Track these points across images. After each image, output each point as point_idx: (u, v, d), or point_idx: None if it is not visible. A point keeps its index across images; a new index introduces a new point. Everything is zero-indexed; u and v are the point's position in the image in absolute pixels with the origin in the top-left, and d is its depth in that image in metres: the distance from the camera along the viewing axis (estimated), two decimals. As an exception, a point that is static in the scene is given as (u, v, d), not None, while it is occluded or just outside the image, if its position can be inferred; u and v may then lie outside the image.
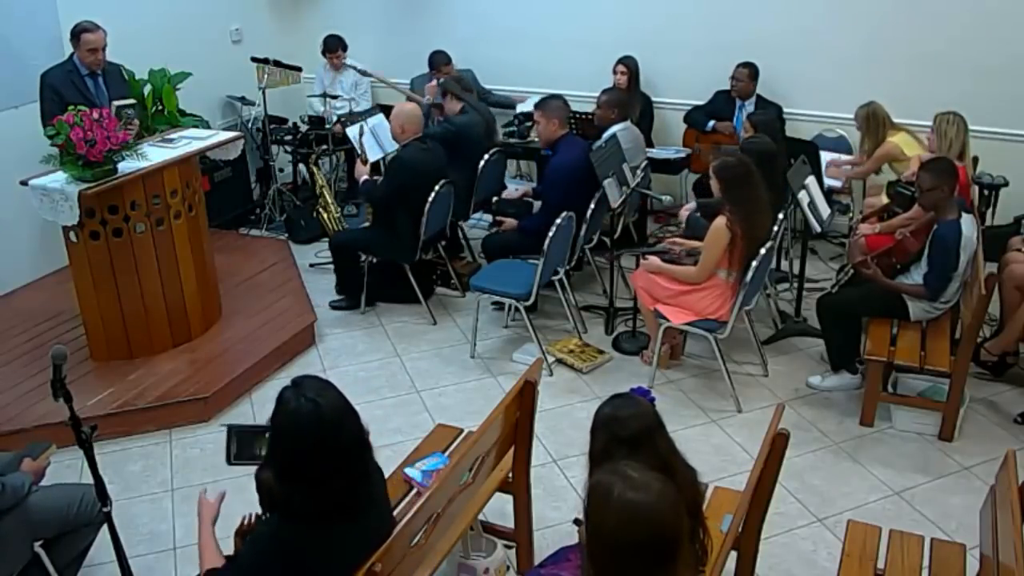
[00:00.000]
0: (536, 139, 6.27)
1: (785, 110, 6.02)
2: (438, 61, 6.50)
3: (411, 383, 4.72)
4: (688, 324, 4.41)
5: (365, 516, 2.20)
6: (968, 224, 4.10)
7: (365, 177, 5.32)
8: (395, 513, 2.87)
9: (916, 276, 4.29)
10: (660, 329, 4.48)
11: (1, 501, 2.79)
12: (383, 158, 5.69)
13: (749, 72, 5.95)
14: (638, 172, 5.16)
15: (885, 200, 5.10)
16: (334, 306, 5.52)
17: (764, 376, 4.69)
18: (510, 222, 5.38)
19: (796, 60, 5.93)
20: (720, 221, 4.22)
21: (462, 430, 3.47)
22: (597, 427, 2.27)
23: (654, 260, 4.56)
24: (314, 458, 2.04)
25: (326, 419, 2.04)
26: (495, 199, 5.75)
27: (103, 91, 5.10)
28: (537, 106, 5.27)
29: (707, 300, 4.35)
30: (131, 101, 5.17)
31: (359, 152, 5.54)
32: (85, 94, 4.98)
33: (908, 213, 4.70)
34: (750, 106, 6.01)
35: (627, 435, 2.19)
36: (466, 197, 5.73)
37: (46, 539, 3.02)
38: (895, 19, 5.69)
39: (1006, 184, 5.10)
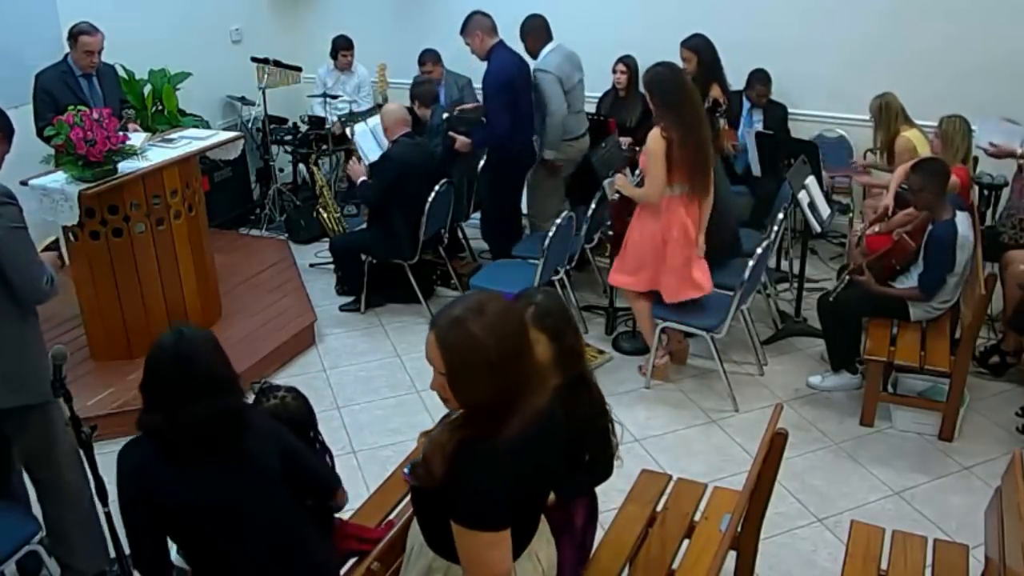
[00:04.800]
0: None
1: (790, 110, 6.02)
2: (425, 59, 6.45)
3: (411, 383, 4.72)
4: (686, 324, 4.42)
5: (235, 462, 2.22)
6: (964, 222, 4.10)
7: (363, 178, 5.32)
8: (395, 513, 2.88)
9: (916, 277, 4.29)
10: (657, 330, 4.48)
11: (51, 291, 2.87)
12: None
13: (764, 80, 5.93)
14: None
15: (885, 201, 5.08)
16: (344, 308, 5.52)
17: (763, 376, 4.69)
18: (463, 140, 5.37)
19: (797, 59, 5.92)
20: (655, 131, 4.19)
21: (462, 430, 3.46)
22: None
23: (619, 178, 4.51)
24: (165, 384, 2.14)
25: (182, 350, 2.15)
26: (446, 115, 5.67)
27: (97, 92, 5.09)
28: (461, 32, 5.27)
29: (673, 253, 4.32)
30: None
31: (359, 154, 5.55)
32: (79, 95, 4.95)
33: (907, 210, 4.69)
34: (758, 113, 6.01)
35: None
36: (466, 198, 5.73)
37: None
38: (897, 19, 5.69)
39: (1006, 184, 5.09)
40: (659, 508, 3.05)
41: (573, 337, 2.43)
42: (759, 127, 5.86)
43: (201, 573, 2.34)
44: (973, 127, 4.69)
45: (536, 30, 5.32)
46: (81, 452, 2.64)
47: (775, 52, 5.91)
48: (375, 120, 5.76)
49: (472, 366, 1.81)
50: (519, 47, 5.36)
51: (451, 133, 5.44)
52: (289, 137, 7.01)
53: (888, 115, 5.17)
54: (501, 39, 5.23)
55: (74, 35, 4.91)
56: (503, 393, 1.82)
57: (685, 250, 4.30)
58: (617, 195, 4.56)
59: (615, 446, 2.54)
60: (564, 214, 4.75)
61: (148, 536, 2.20)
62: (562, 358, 2.38)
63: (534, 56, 5.35)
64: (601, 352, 4.91)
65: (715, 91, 5.30)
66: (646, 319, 4.56)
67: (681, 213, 4.26)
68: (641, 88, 4.49)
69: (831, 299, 4.44)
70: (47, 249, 3.15)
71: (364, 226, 5.68)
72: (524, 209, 5.72)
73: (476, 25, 5.19)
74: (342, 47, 6.85)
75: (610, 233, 5.21)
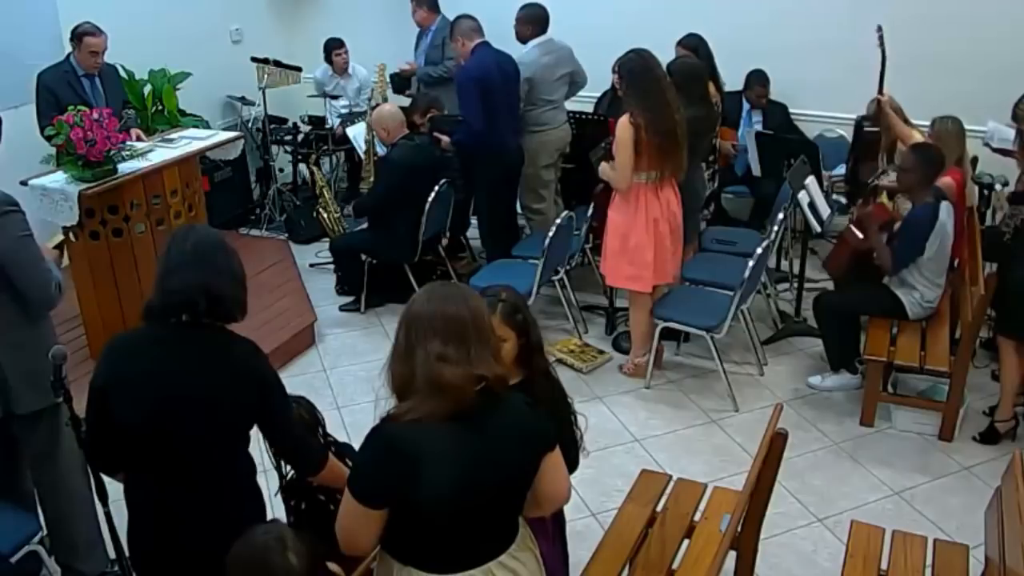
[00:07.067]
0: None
1: (790, 110, 6.03)
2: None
3: (411, 383, 4.71)
4: (687, 324, 4.42)
5: (213, 357, 2.30)
6: (945, 211, 4.10)
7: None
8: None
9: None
10: (657, 330, 4.48)
11: (59, 296, 2.90)
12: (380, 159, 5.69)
13: (762, 80, 5.93)
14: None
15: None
16: (344, 308, 5.53)
17: (763, 376, 4.69)
18: (444, 139, 5.38)
19: (797, 60, 5.92)
20: (623, 118, 4.22)
21: (462, 430, 3.46)
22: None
23: (604, 165, 4.49)
24: (163, 256, 2.33)
25: (177, 233, 2.38)
26: (429, 115, 5.66)
27: (99, 92, 5.08)
28: (448, 38, 5.31)
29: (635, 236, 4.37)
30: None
31: (360, 153, 5.55)
32: (81, 95, 4.94)
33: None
34: (758, 113, 6.01)
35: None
36: (464, 207, 5.74)
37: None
38: (898, 19, 5.68)
39: (1006, 184, 5.09)
40: (659, 508, 3.05)
41: (538, 332, 2.47)
42: (759, 127, 5.87)
43: (133, 488, 2.40)
44: (984, 129, 4.65)
45: (531, 19, 5.34)
46: (82, 452, 2.63)
47: (774, 53, 5.91)
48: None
49: (399, 339, 2.08)
50: (513, 46, 5.35)
51: (435, 133, 5.43)
52: (289, 137, 7.01)
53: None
54: (485, 40, 5.21)
55: (78, 36, 4.90)
56: (401, 380, 2.07)
57: (647, 240, 4.34)
58: (602, 185, 4.61)
59: (580, 437, 2.58)
60: (564, 214, 4.75)
61: (104, 428, 2.32)
62: (529, 353, 2.42)
63: (522, 42, 5.37)
64: (601, 352, 4.91)
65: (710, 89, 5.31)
66: (641, 321, 4.56)
67: (653, 203, 4.30)
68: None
69: (820, 297, 4.50)
70: (56, 247, 3.18)
71: (364, 226, 5.68)
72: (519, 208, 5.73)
73: (457, 31, 5.20)
74: (335, 47, 6.83)
75: (594, 224, 5.26)
